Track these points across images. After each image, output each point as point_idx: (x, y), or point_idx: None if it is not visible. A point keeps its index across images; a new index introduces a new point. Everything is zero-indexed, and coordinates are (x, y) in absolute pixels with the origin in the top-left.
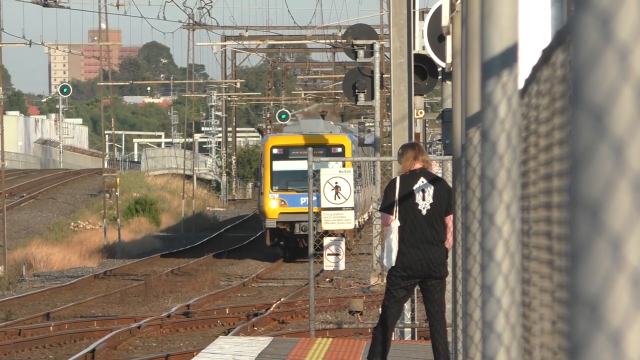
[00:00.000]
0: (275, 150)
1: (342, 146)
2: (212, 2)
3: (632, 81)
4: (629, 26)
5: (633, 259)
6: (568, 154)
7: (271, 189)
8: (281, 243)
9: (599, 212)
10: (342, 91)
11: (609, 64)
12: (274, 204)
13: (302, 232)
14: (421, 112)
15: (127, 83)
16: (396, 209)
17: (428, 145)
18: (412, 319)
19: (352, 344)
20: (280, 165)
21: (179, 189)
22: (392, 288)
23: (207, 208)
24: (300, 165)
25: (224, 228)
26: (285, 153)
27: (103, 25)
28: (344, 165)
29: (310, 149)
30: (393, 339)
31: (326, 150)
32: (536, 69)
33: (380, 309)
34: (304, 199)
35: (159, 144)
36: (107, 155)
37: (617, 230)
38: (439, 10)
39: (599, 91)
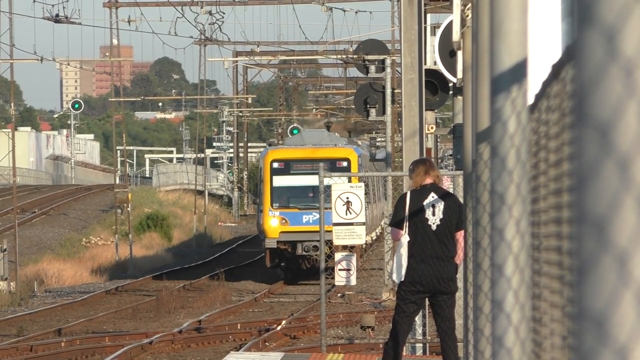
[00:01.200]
0: (275, 165)
1: (348, 160)
2: (223, 17)
3: (637, 97)
4: (634, 42)
5: (639, 275)
6: (574, 170)
7: (271, 206)
8: (282, 264)
9: (605, 228)
10: (353, 106)
11: (614, 80)
12: (274, 223)
13: (304, 253)
14: (432, 127)
15: (139, 99)
16: (406, 224)
17: (439, 160)
18: (424, 334)
19: (363, 359)
20: (281, 181)
21: (190, 205)
22: (402, 303)
23: (219, 223)
24: (303, 180)
25: (236, 243)
26: (287, 167)
27: (115, 41)
28: (349, 181)
29: (321, 164)
30: (404, 354)
31: (330, 164)
32: (546, 85)
33: (391, 324)
34: (306, 217)
35: (170, 160)
36: (118, 171)
37: (623, 246)
38: (450, 26)
39: (605, 107)
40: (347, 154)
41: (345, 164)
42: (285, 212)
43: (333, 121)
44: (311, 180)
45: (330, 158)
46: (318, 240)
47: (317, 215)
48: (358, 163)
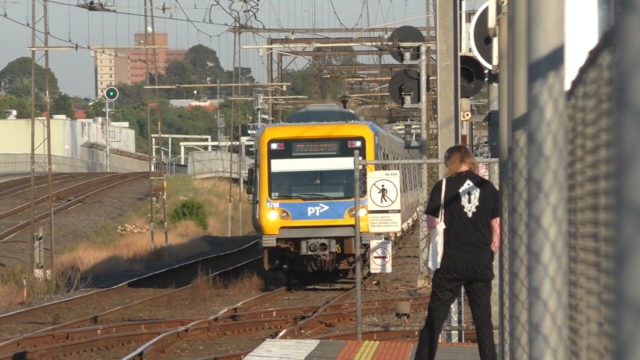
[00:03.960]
0: (274, 146)
1: (362, 139)
2: (258, 5)
3: None
4: None
5: None
6: (614, 156)
7: (269, 196)
8: (284, 267)
9: None
10: (388, 94)
11: None
12: (273, 216)
13: (310, 253)
14: (467, 115)
15: (174, 86)
16: (442, 211)
17: (475, 148)
18: (459, 321)
19: (399, 346)
20: (281, 165)
21: (225, 193)
22: (438, 290)
23: None
24: (307, 164)
25: None
26: (288, 149)
27: (149, 29)
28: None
29: (333, 144)
30: (440, 341)
31: (340, 144)
32: (583, 71)
33: (426, 312)
34: (312, 209)
35: (205, 147)
36: (154, 159)
37: None
38: (485, 12)
39: None
40: (361, 131)
41: (358, 143)
42: (286, 204)
43: (368, 108)
44: (317, 163)
45: (341, 137)
46: (326, 237)
47: (325, 207)
48: (374, 143)
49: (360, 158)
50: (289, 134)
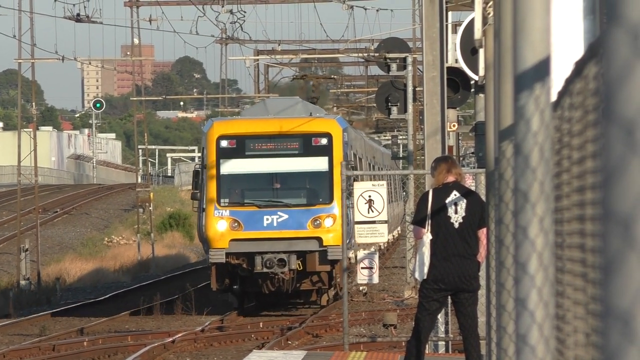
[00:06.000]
0: (224, 143)
1: (328, 136)
2: (244, 16)
3: None
4: None
5: None
6: (600, 167)
7: (218, 203)
8: (235, 287)
9: (631, 226)
10: (374, 104)
11: None
12: (221, 226)
13: (266, 270)
14: (454, 125)
15: (160, 98)
16: (428, 222)
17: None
18: (446, 332)
19: (386, 357)
20: (231, 166)
21: None
22: (425, 301)
23: None
24: (263, 165)
25: None
26: (240, 147)
27: (136, 40)
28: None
29: (295, 141)
30: (427, 351)
31: (303, 142)
32: (569, 82)
33: (413, 322)
34: (268, 218)
35: (192, 159)
36: (140, 170)
37: None
38: (471, 24)
39: (631, 105)
40: (327, 126)
41: (324, 141)
42: (237, 212)
43: (354, 119)
44: (275, 164)
45: (303, 133)
46: (285, 252)
47: (284, 216)
48: (343, 140)
49: (342, 165)
50: (241, 130)
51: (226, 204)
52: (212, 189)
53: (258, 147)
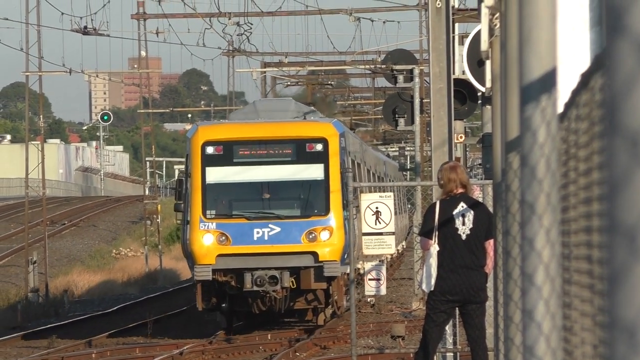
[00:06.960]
0: (210, 149)
1: (324, 141)
2: (251, 28)
3: None
4: None
5: None
6: (605, 179)
7: (204, 214)
8: (223, 306)
9: (636, 237)
10: (381, 116)
11: None
12: (208, 240)
13: (256, 288)
14: (461, 137)
15: (168, 110)
16: (435, 233)
17: (469, 170)
18: (454, 343)
19: None
20: (218, 175)
21: None
22: (432, 312)
23: None
24: (253, 173)
25: None
26: (228, 153)
27: (143, 53)
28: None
29: (290, 146)
30: None
31: (296, 147)
32: (575, 93)
33: (421, 334)
34: (259, 232)
35: None
36: (148, 182)
37: None
38: (478, 35)
39: (635, 117)
40: (322, 131)
41: (319, 146)
42: (225, 225)
43: (361, 130)
44: (266, 172)
45: (297, 138)
46: (277, 268)
47: (276, 229)
48: (340, 146)
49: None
50: (229, 135)
51: (212, 216)
52: (197, 199)
53: (247, 153)
